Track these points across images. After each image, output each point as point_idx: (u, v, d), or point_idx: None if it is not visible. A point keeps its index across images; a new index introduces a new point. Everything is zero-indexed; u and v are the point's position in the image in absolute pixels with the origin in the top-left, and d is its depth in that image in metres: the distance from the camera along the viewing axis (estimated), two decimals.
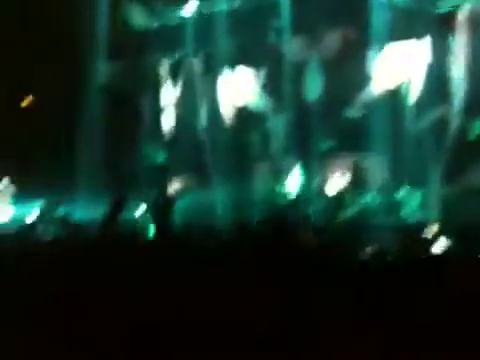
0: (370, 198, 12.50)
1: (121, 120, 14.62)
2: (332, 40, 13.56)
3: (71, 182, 13.00)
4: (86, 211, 11.28)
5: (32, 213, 11.69)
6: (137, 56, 15.28)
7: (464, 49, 12.24)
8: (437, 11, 12.69)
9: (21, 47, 13.05)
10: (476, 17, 12.22)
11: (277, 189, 13.84)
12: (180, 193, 13.60)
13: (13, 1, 13.18)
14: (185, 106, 15.14)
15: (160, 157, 14.00)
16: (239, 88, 14.67)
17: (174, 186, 14.19)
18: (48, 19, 13.13)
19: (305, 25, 13.55)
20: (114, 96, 14.69)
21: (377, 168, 12.87)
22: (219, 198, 13.75)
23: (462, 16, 12.29)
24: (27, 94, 14.87)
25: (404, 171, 12.17)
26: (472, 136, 12.24)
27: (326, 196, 13.30)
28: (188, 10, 14.53)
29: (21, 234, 8.76)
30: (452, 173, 11.61)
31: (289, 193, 13.62)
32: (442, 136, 12.15)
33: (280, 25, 13.89)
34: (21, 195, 12.39)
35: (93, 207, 11.53)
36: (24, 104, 14.94)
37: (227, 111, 14.59)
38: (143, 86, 15.83)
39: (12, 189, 12.37)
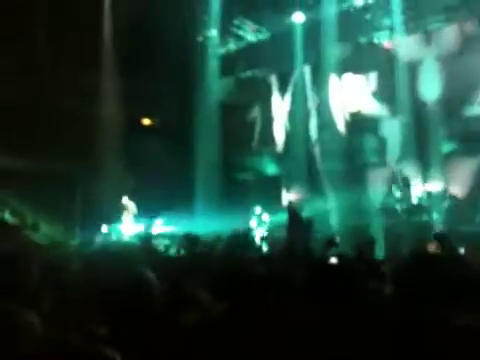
0: None
1: (236, 134, 14.99)
2: (448, 36, 12.81)
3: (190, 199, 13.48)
4: (204, 225, 11.61)
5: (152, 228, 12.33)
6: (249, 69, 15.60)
7: None
8: None
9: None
10: None
11: (396, 195, 13.30)
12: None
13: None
14: (297, 116, 15.14)
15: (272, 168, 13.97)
16: (351, 94, 14.37)
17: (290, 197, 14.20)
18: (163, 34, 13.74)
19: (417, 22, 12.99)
20: (229, 110, 15.11)
21: None
22: (334, 207, 13.55)
23: None
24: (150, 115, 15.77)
25: None
26: None
27: (450, 201, 12.51)
28: (297, 18, 14.49)
29: (147, 247, 9.19)
30: None
31: (410, 199, 13.01)
32: None
33: (391, 24, 13.37)
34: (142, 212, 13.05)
35: (211, 221, 11.91)
36: (145, 123, 15.83)
37: (339, 118, 14.37)
38: (255, 98, 16.12)
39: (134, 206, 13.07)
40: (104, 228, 12.48)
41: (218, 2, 14.17)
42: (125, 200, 13.12)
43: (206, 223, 11.88)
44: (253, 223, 13.24)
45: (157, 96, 14.57)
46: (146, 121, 15.88)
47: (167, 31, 13.15)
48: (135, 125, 14.64)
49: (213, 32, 15.12)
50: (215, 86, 15.29)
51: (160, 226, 12.84)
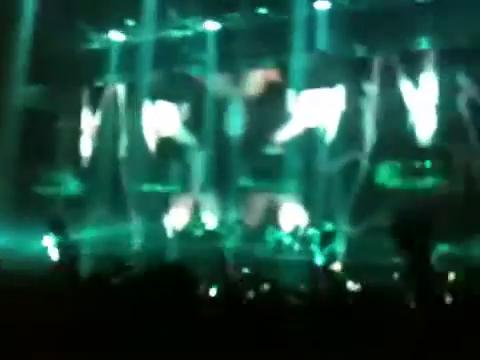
0: (282, 235, 12.82)
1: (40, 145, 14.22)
2: (254, 79, 13.98)
3: None
4: None
5: None
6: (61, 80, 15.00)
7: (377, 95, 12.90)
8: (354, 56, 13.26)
9: None
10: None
11: (195, 222, 13.93)
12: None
13: None
14: (106, 133, 14.98)
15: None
16: (163, 120, 14.76)
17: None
18: None
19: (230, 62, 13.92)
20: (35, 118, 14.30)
21: (291, 205, 13.23)
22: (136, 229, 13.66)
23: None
24: None
25: (315, 210, 12.57)
26: (379, 179, 12.90)
27: (243, 231, 13.49)
28: (115, 37, 14.48)
29: None
30: (359, 213, 12.09)
31: (206, 226, 13.73)
32: (352, 178, 12.67)
33: (205, 59, 14.11)
34: None
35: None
36: None
37: (150, 141, 14.61)
38: (64, 110, 15.56)
39: None
40: None
41: (32, 6, 13.40)
42: None
43: None
44: (47, 241, 12.62)
45: None
46: None
47: None
48: None
49: (25, 36, 14.25)
50: (20, 91, 14.38)
51: None
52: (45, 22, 13.01)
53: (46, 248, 12.09)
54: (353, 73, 12.94)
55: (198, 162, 14.33)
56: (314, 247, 11.80)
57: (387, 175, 12.89)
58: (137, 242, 13.21)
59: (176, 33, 14.02)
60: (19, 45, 13.57)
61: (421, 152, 12.39)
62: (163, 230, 13.69)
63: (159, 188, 14.46)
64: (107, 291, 2.49)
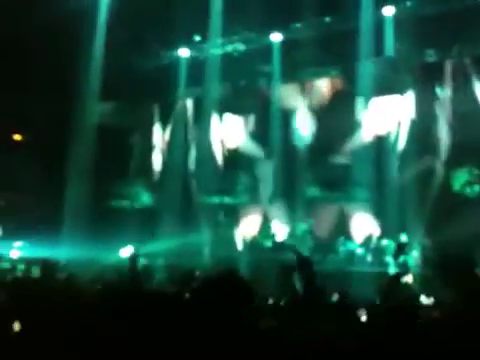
0: (354, 245, 12.53)
1: (112, 160, 14.73)
2: (320, 89, 13.85)
3: None
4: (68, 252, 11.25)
5: None
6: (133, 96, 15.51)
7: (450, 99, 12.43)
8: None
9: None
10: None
11: (264, 233, 13.91)
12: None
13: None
14: (176, 147, 15.33)
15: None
16: (230, 132, 14.93)
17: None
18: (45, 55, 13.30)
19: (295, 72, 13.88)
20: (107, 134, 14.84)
21: (362, 216, 12.93)
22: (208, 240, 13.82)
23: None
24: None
25: (388, 220, 12.20)
26: (456, 187, 12.35)
27: (313, 241, 13.31)
28: (183, 53, 14.83)
29: None
30: (436, 223, 11.62)
31: (275, 237, 13.67)
32: (427, 186, 12.22)
33: (270, 71, 14.15)
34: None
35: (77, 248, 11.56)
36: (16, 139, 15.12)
37: (218, 154, 14.81)
38: (135, 125, 16.07)
39: None
40: None
41: (104, 24, 13.98)
42: None
43: (71, 250, 11.52)
44: (124, 252, 13.04)
45: (32, 113, 13.99)
46: (17, 137, 15.15)
47: (48, 48, 12.76)
48: (5, 141, 13.94)
49: (98, 53, 14.89)
50: (95, 108, 15.00)
51: (18, 250, 12.23)
52: (117, 40, 13.60)
53: (123, 259, 12.55)
54: (424, 78, 12.53)
55: (266, 173, 14.34)
56: (388, 258, 11.45)
57: (464, 182, 12.32)
58: (207, 253, 13.35)
59: (241, 46, 14.19)
60: (92, 62, 14.19)
61: None
62: (233, 241, 13.77)
63: (228, 199, 14.56)
64: (167, 302, 2.50)
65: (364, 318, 4.30)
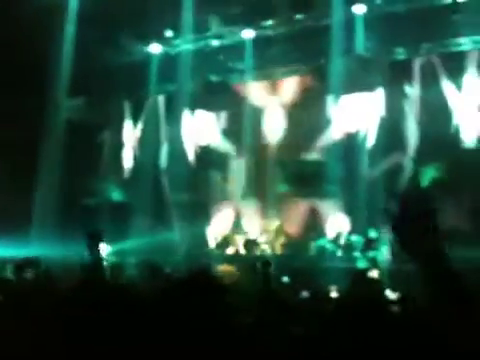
0: (325, 241, 12.66)
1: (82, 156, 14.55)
2: (292, 85, 13.93)
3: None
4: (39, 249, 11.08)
5: None
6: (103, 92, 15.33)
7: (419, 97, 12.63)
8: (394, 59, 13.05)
9: None
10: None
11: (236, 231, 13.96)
12: None
13: None
14: (147, 144, 15.23)
15: None
16: (202, 129, 14.89)
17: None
18: (14, 50, 13.05)
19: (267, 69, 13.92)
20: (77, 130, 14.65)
21: (333, 212, 13.06)
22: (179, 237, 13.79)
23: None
24: None
25: (358, 216, 12.37)
26: (424, 183, 12.57)
27: (284, 238, 13.41)
28: (154, 49, 14.71)
29: None
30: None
31: (247, 234, 13.72)
32: (396, 182, 12.41)
33: (242, 68, 14.16)
34: None
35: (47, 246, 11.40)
36: None
37: (190, 151, 14.76)
38: (106, 121, 15.90)
39: None
40: None
41: (74, 20, 13.78)
42: None
43: (41, 247, 11.34)
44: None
45: None
46: None
47: (16, 43, 12.51)
48: None
49: (68, 48, 14.65)
50: (65, 104, 14.79)
51: None
52: (87, 34, 13.43)
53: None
54: (393, 76, 12.71)
55: (238, 170, 14.37)
56: (356, 254, 11.62)
57: (432, 178, 12.56)
58: (178, 250, 13.31)
59: (213, 42, 14.15)
60: (62, 58, 13.97)
61: (465, 154, 12.04)
62: (204, 238, 13.77)
63: (199, 196, 14.54)
64: (132, 298, 2.49)
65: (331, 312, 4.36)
